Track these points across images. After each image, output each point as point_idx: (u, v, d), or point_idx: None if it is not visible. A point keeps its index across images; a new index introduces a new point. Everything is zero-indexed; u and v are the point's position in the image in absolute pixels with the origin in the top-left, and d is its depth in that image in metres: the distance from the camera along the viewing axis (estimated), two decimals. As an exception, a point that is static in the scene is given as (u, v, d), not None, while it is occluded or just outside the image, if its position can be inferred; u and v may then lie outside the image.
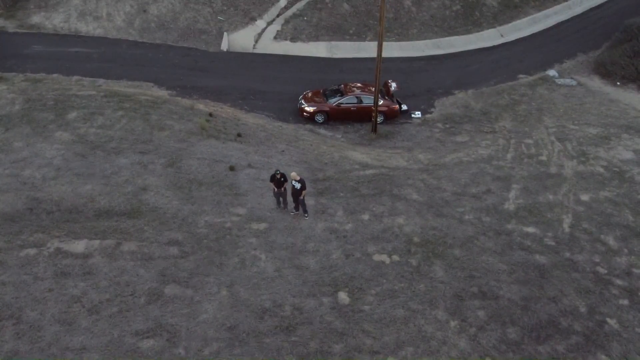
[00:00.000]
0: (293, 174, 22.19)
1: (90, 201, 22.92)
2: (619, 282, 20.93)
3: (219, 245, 21.07)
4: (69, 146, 25.85)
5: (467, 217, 23.72)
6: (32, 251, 19.94)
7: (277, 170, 22.26)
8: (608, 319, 19.34)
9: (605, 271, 21.38)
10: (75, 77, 33.70)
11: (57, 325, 17.39)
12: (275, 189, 22.46)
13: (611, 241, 22.89)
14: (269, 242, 21.47)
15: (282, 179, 22.16)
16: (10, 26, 38.37)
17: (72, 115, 28.07)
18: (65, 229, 21.24)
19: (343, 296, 19.37)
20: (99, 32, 38.82)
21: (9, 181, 23.55)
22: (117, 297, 18.51)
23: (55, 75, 33.79)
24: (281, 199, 22.90)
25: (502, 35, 43.93)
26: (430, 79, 38.14)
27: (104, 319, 17.76)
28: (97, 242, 20.53)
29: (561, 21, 46.04)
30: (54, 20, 39.11)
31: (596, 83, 38.38)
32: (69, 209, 22.52)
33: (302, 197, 22.45)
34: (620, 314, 19.60)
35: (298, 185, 22.09)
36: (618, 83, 37.93)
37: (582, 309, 19.62)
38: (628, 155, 28.78)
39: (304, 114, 33.05)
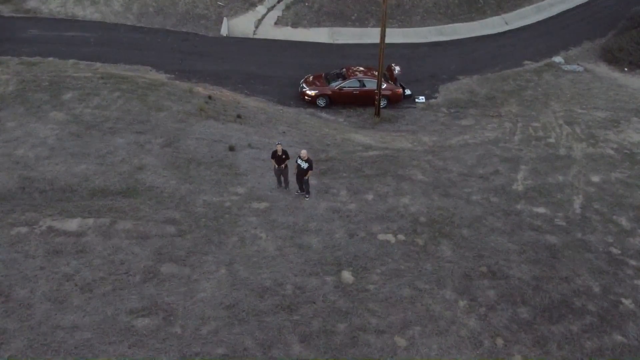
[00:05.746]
0: (303, 152, 21.16)
1: (85, 180, 22.14)
2: (633, 262, 20.16)
3: (217, 224, 20.28)
4: (64, 126, 25.07)
5: (474, 197, 22.94)
6: (23, 229, 19.16)
7: (278, 142, 21.41)
8: (623, 299, 18.57)
9: (619, 251, 20.61)
10: (72, 61, 32.90)
11: (48, 304, 16.61)
12: (276, 166, 21.63)
13: (624, 222, 22.13)
14: (270, 221, 20.68)
15: (284, 156, 21.33)
16: (6, 10, 37.60)
17: (67, 96, 27.30)
18: (58, 207, 20.46)
19: (347, 275, 18.59)
20: (96, 16, 38.06)
21: (1, 160, 22.75)
22: (111, 276, 17.74)
23: (51, 58, 32.98)
24: (282, 177, 22.08)
25: (506, 23, 43.20)
26: (434, 64, 37.40)
27: (97, 297, 16.99)
28: (91, 220, 19.75)
29: (566, 9, 45.30)
30: (51, 5, 38.33)
31: (603, 69, 37.67)
32: (63, 188, 21.74)
33: (306, 178, 21.62)
34: (636, 294, 18.82)
35: (305, 165, 21.17)
36: (625, 69, 37.20)
37: (596, 289, 18.84)
38: (639, 137, 28.00)
39: (306, 97, 32.30)
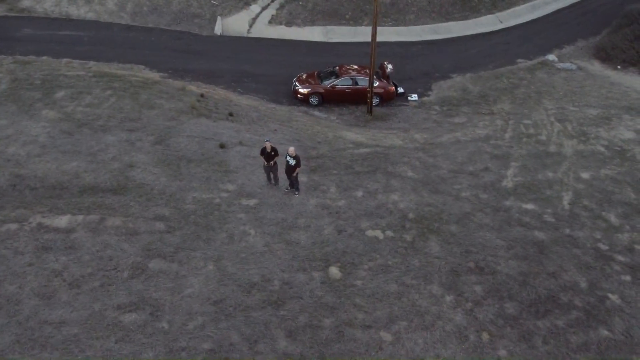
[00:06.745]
0: (291, 149, 21.31)
1: (75, 178, 22.21)
2: (620, 258, 20.23)
3: (206, 221, 20.36)
4: (55, 124, 25.15)
5: (463, 194, 23.02)
6: (13, 226, 19.25)
7: (267, 140, 21.50)
8: (610, 295, 18.63)
9: (607, 247, 20.69)
10: (65, 60, 32.96)
11: (36, 299, 16.71)
12: (265, 163, 21.71)
13: (612, 218, 22.20)
14: (259, 217, 20.76)
15: (273, 153, 21.41)
16: (0, 9, 37.67)
17: (60, 94, 27.37)
18: (48, 204, 20.55)
19: (334, 271, 18.67)
20: (90, 15, 38.16)
21: (-8, 158, 22.87)
22: (99, 271, 17.83)
23: (44, 57, 33.04)
24: (272, 174, 22.16)
25: (500, 22, 43.22)
26: (427, 63, 37.45)
27: (85, 292, 17.08)
28: (80, 217, 19.85)
29: (560, 8, 45.29)
30: (45, 4, 38.43)
31: (596, 67, 37.71)
32: (53, 185, 21.81)
33: (294, 174, 21.72)
34: (623, 289, 18.90)
35: (292, 162, 21.31)
36: (619, 67, 37.25)
37: (583, 285, 18.91)
38: (629, 134, 28.09)
39: (298, 95, 32.34)
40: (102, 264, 18.12)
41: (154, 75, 32.29)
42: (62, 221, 19.63)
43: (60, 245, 18.66)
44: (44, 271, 17.66)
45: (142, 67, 33.41)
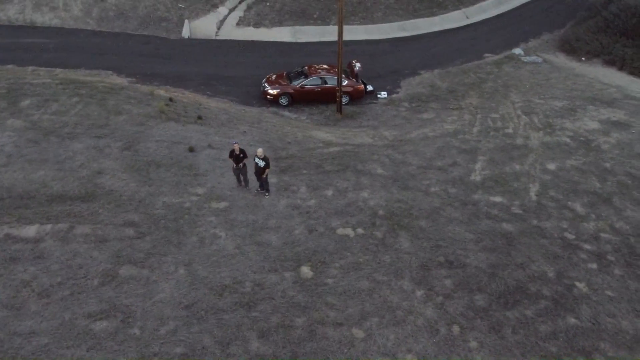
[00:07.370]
0: (259, 150, 21.41)
1: (43, 187, 21.99)
2: (587, 246, 20.62)
3: (177, 225, 20.32)
4: (22, 133, 24.86)
5: (432, 189, 23.26)
6: (-20, 238, 19.04)
7: (235, 142, 21.51)
8: (577, 283, 18.99)
9: (573, 236, 21.07)
10: (31, 67, 32.62)
11: (5, 311, 16.56)
12: (234, 165, 21.74)
13: (578, 207, 22.60)
14: (229, 220, 20.77)
15: (241, 155, 21.44)
16: (-37, 19, 37.20)
17: (25, 102, 27.06)
18: (16, 215, 20.31)
19: (306, 270, 18.77)
20: (55, 22, 37.78)
21: (-43, 170, 22.55)
22: (69, 280, 17.72)
23: (10, 66, 32.68)
24: (241, 176, 22.18)
25: (467, 17, 43.73)
26: (396, 60, 37.71)
27: (54, 302, 16.97)
28: (49, 226, 19.67)
29: (526, 2, 46.03)
30: (8, 12, 37.96)
31: (561, 60, 38.32)
32: (21, 195, 21.56)
33: (264, 176, 21.79)
34: (589, 277, 19.27)
35: (262, 164, 21.38)
36: (583, 58, 37.87)
37: (551, 274, 19.24)
38: (594, 125, 28.59)
39: (268, 97, 32.35)
40: (72, 272, 18.01)
41: (122, 81, 32.06)
42: (30, 231, 19.45)
43: (28, 255, 18.50)
44: (12, 282, 17.51)
45: (110, 72, 33.17)
